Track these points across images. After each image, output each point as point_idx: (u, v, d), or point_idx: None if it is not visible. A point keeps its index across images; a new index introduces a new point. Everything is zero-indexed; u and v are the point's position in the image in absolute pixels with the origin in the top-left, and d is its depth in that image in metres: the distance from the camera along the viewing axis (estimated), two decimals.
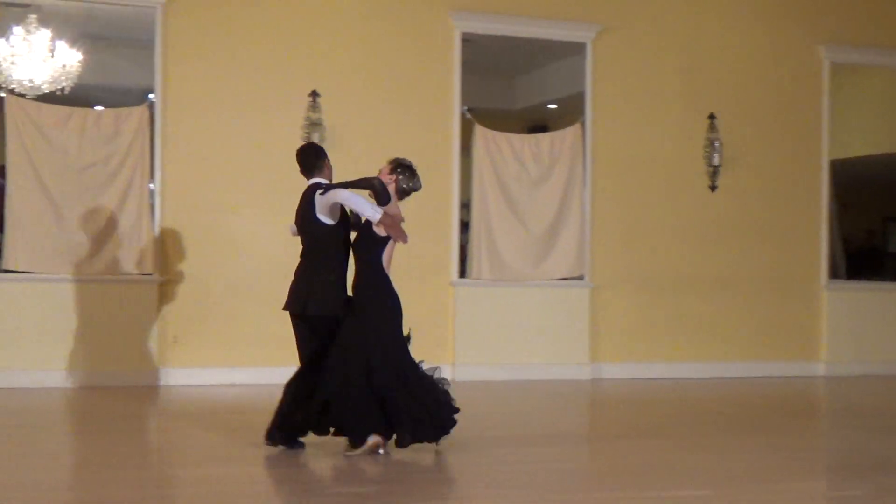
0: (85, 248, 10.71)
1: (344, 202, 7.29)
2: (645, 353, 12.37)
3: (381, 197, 7.29)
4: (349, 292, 7.47)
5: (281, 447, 7.41)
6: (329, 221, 7.37)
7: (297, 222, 7.67)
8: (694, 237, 12.56)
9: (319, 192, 7.35)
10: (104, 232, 10.76)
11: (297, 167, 7.76)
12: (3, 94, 10.68)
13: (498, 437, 8.33)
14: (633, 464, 7.34)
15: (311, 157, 7.70)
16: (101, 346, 10.59)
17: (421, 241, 11.64)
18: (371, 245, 7.36)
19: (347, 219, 7.55)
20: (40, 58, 11.19)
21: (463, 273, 11.88)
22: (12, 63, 11.00)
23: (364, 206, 7.18)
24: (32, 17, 11.01)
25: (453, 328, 11.68)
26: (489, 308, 11.81)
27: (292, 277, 7.59)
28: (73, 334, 10.53)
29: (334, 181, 7.64)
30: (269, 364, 11.04)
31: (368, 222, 7.30)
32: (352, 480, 6.79)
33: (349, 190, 7.33)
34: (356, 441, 7.23)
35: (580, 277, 12.20)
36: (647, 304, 12.39)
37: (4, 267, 10.50)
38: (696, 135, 12.59)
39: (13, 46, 11.02)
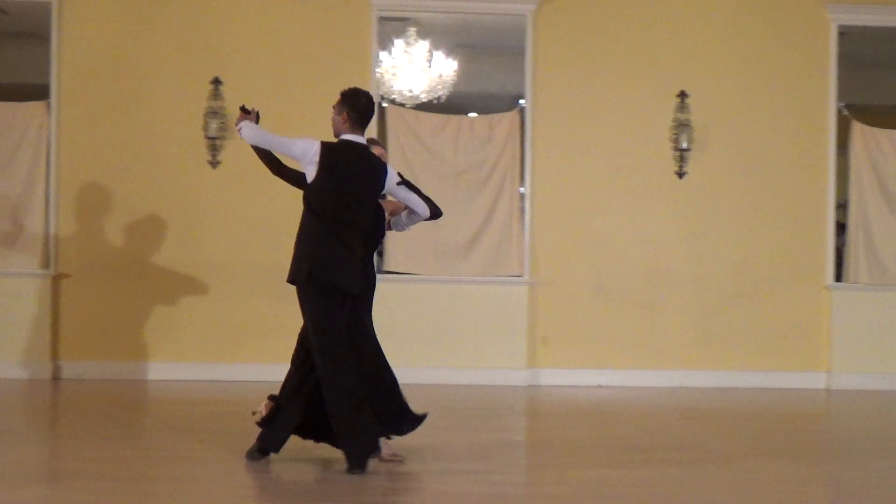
0: (459, 250, 11.12)
1: (414, 206, 6.92)
2: None
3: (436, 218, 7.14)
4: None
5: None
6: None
7: (354, 184, 6.64)
8: None
9: (398, 181, 6.80)
10: (477, 235, 11.13)
11: (349, 109, 6.69)
12: (384, 105, 11.28)
13: (875, 450, 7.91)
14: None
15: (371, 112, 6.77)
16: (471, 344, 10.95)
17: (793, 242, 11.27)
18: (379, 239, 7.28)
19: None
20: (419, 68, 11.77)
21: (839, 277, 11.37)
22: (393, 74, 11.63)
23: (417, 219, 7.07)
24: (412, 30, 11.58)
25: (828, 334, 11.20)
26: (868, 314, 11.22)
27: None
28: (445, 333, 10.95)
29: None
30: (637, 367, 11.06)
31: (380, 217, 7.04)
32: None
33: (416, 193, 6.95)
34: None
35: None
36: None
37: (385, 268, 11.08)
38: None
39: (394, 59, 11.65)
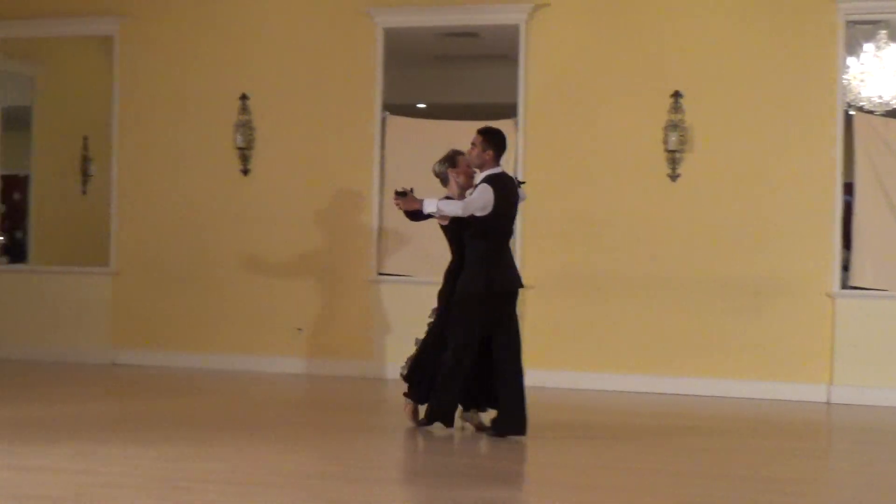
0: None
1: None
2: None
3: None
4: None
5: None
6: None
7: (513, 209, 8.16)
8: None
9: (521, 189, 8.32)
10: None
11: (494, 148, 8.12)
12: (851, 112, 10.80)
13: None
14: None
15: (506, 146, 8.24)
16: None
17: None
18: None
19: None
20: (890, 73, 11.16)
21: None
22: (861, 81, 11.10)
23: None
24: (882, 33, 11.01)
25: None
26: None
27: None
28: None
29: None
30: None
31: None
32: None
33: None
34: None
35: None
36: None
37: (851, 284, 10.59)
38: None
39: (863, 64, 11.12)
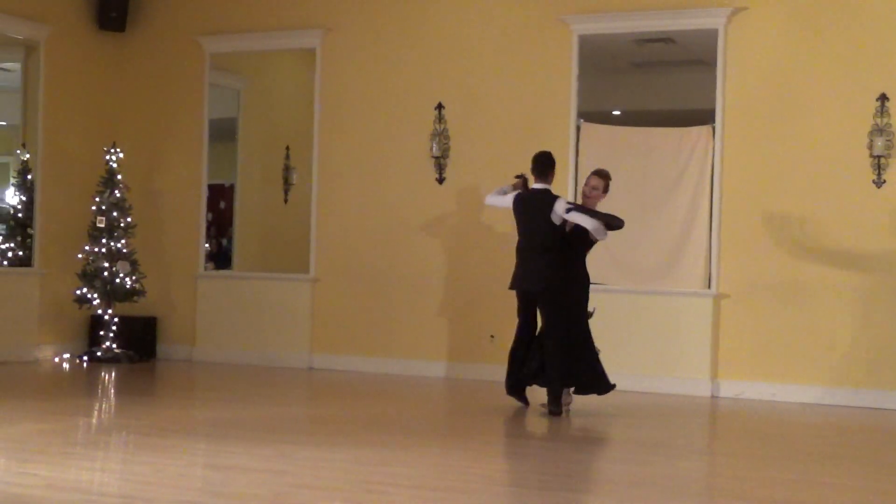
0: None
1: (583, 224, 9.15)
2: None
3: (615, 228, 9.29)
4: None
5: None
6: (557, 225, 9.36)
7: (527, 218, 9.44)
8: None
9: (567, 209, 9.23)
10: None
11: (532, 169, 9.59)
12: None
13: None
14: None
15: (549, 164, 9.52)
16: None
17: None
18: (586, 246, 9.43)
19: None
20: None
21: None
22: None
23: (601, 231, 9.20)
24: None
25: None
26: None
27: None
28: None
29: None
30: None
31: (585, 230, 9.23)
32: None
33: (584, 214, 9.20)
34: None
35: None
36: None
37: None
38: None
39: None
